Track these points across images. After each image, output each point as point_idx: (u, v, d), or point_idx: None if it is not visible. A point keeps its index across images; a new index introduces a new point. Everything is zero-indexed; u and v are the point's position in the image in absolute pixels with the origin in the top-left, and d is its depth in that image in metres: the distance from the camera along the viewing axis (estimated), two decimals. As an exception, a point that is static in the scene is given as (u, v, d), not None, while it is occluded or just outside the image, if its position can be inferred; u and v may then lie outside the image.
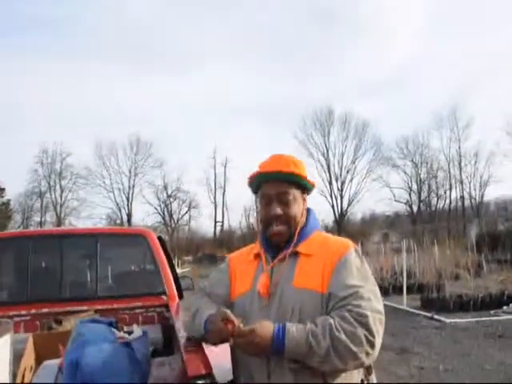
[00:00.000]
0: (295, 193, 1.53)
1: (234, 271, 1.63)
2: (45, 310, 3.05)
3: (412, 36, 58.60)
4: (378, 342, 1.32)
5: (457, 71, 58.83)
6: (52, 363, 2.04)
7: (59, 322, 2.94)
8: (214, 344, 1.45)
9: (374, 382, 1.50)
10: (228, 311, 1.36)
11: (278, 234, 1.51)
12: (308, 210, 1.62)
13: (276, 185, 1.52)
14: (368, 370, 1.48)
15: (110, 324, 1.75)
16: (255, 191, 1.62)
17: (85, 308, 3.12)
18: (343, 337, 1.27)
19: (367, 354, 1.30)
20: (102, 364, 1.47)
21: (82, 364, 1.46)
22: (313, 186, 1.61)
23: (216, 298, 1.61)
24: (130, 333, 1.65)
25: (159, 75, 62.43)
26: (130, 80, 61.11)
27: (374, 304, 1.36)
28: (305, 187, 1.58)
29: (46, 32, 60.18)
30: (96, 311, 3.11)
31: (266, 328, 1.30)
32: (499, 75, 57.62)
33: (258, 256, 1.58)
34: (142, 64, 59.35)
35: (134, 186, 46.04)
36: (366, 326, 1.29)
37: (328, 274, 1.40)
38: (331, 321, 1.30)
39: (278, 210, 1.50)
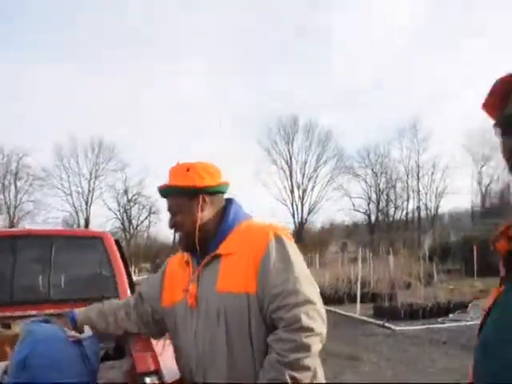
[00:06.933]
0: (179, 202, 1.53)
1: (170, 274, 1.65)
2: (-7, 314, 2.98)
3: (379, 54, 60.26)
4: (319, 325, 1.33)
5: (418, 88, 61.33)
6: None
7: (8, 326, 2.88)
8: None
9: (323, 381, 1.47)
10: None
11: (179, 243, 1.58)
12: (229, 203, 1.58)
13: (167, 199, 1.59)
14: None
15: (61, 324, 1.78)
16: None
17: (36, 312, 3.07)
18: (292, 356, 1.28)
19: (318, 340, 1.33)
20: (51, 362, 1.50)
21: (30, 363, 1.48)
22: (210, 185, 1.52)
23: (146, 297, 1.68)
24: (80, 332, 1.70)
25: (123, 75, 61.29)
26: (93, 81, 59.57)
27: (303, 293, 1.34)
28: (195, 192, 1.51)
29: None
30: (47, 315, 3.07)
31: None
32: (457, 94, 60.88)
33: (188, 263, 1.58)
34: (104, 65, 58.06)
35: (93, 190, 44.76)
36: (303, 328, 1.30)
37: (253, 273, 1.38)
38: (273, 356, 1.30)
39: (169, 223, 1.58)
